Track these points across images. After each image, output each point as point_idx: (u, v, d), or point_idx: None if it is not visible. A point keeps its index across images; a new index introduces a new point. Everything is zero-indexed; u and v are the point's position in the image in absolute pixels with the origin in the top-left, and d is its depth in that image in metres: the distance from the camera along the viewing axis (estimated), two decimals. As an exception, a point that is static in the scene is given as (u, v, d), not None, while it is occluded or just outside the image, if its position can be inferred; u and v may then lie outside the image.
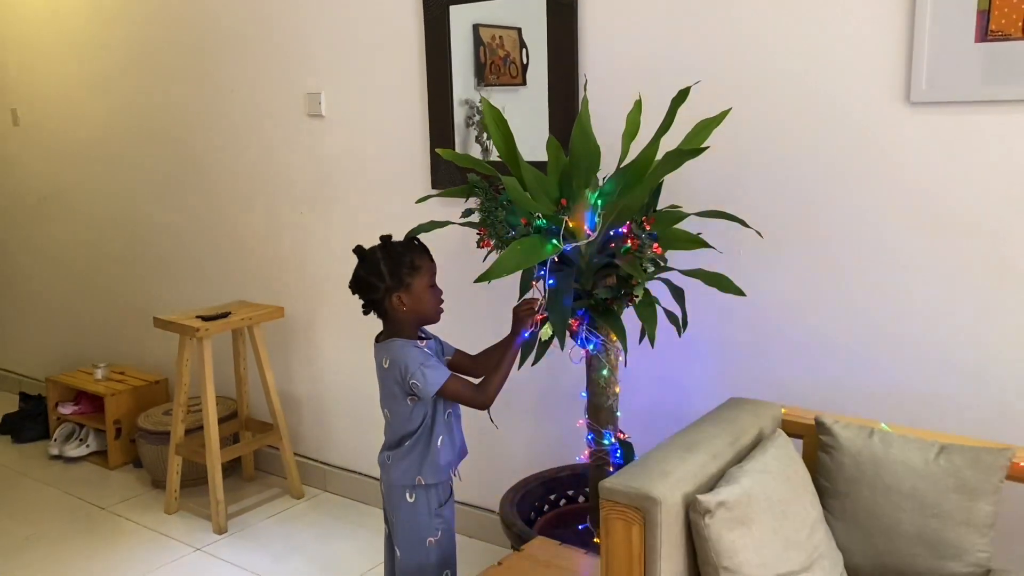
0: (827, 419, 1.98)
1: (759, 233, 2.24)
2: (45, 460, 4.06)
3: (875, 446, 1.89)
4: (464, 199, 2.22)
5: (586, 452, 2.35)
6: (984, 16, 2.04)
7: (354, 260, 2.17)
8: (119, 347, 4.42)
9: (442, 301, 2.19)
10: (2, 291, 5.13)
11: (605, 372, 2.27)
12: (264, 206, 3.60)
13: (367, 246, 2.17)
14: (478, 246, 2.18)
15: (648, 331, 2.08)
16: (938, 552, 1.79)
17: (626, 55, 2.55)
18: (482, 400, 2.16)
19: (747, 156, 2.39)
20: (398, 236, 2.20)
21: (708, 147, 2.01)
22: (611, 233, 2.13)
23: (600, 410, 2.30)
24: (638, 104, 2.18)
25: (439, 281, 2.21)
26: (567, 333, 2.15)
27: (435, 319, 2.19)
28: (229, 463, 3.64)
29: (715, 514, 1.65)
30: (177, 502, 3.48)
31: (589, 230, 2.09)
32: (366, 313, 2.19)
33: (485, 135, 2.89)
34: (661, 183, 2.22)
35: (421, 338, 2.20)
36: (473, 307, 2.86)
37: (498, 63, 2.83)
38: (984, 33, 2.05)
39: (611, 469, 2.26)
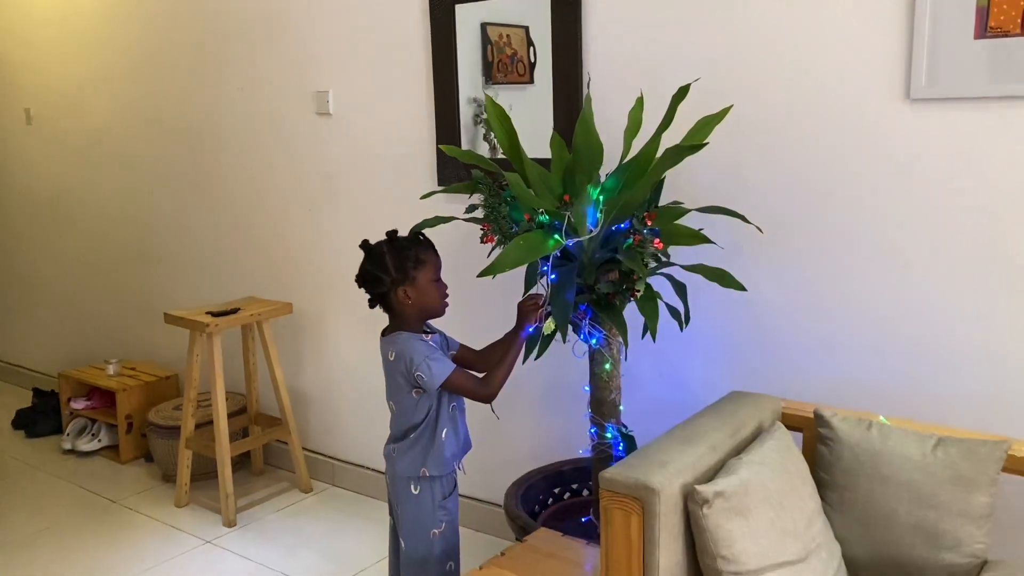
0: (826, 412, 2.01)
1: (759, 229, 2.27)
2: (58, 454, 4.11)
3: (873, 438, 1.92)
4: (468, 195, 2.25)
5: (589, 445, 2.38)
6: (983, 13, 2.06)
7: (361, 256, 2.21)
8: (130, 343, 4.47)
9: (447, 295, 2.22)
10: (16, 288, 5.19)
11: (608, 366, 2.29)
12: (273, 203, 3.65)
13: (373, 241, 2.21)
14: (482, 241, 2.22)
15: (649, 325, 2.11)
16: (935, 543, 1.82)
17: (629, 53, 2.58)
18: (486, 393, 2.19)
19: (749, 153, 2.41)
20: (404, 232, 2.24)
21: (707, 143, 2.04)
22: (613, 229, 2.16)
23: (603, 404, 2.33)
24: (640, 101, 2.20)
25: (444, 276, 2.24)
26: (570, 328, 2.18)
27: (440, 312, 2.22)
28: (238, 458, 3.68)
29: (713, 504, 1.68)
30: (187, 495, 3.53)
31: (591, 226, 2.12)
32: (372, 307, 2.23)
33: (492, 133, 2.92)
34: (663, 179, 2.25)
35: (426, 332, 2.23)
36: (478, 302, 2.89)
37: (505, 61, 2.86)
38: (983, 29, 2.07)
39: (614, 462, 2.28)
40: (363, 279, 2.20)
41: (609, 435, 2.33)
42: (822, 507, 1.93)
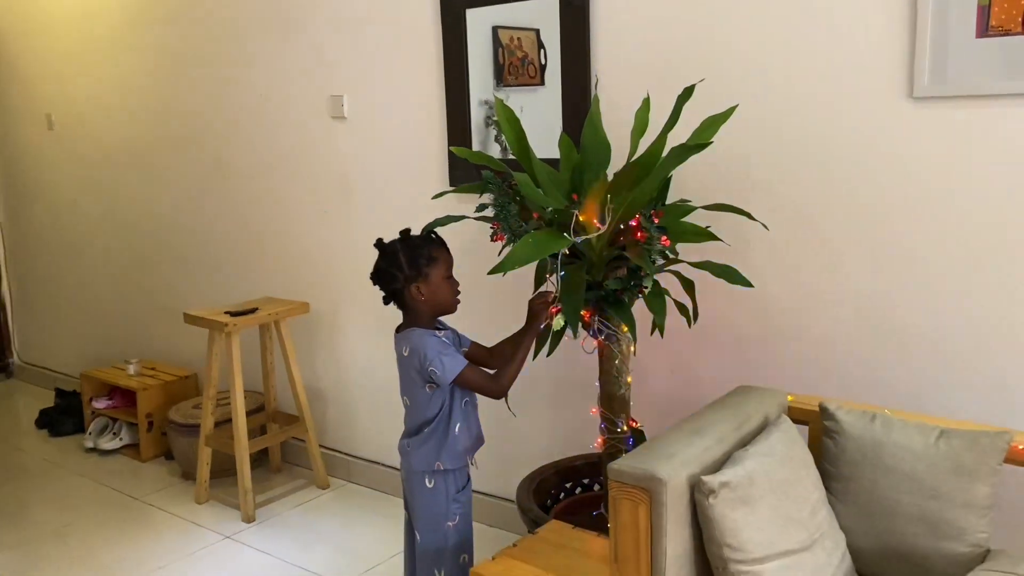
0: (830, 405, 2.05)
1: (765, 226, 2.31)
2: (80, 453, 4.20)
3: (876, 430, 1.95)
4: (479, 195, 2.31)
5: (599, 440, 2.42)
6: (984, 12, 2.09)
7: (376, 255, 2.27)
8: (150, 343, 4.55)
9: (459, 292, 2.27)
10: (38, 291, 5.29)
11: (617, 362, 2.33)
12: (290, 205, 3.71)
13: (387, 240, 2.27)
14: (492, 239, 2.27)
15: (657, 321, 2.16)
16: (938, 532, 1.85)
17: (636, 54, 2.62)
18: (497, 389, 2.24)
19: (754, 151, 2.45)
20: (417, 231, 2.29)
21: (712, 142, 2.08)
22: (621, 226, 2.20)
23: (613, 399, 2.37)
24: (646, 102, 2.25)
25: (456, 274, 2.29)
26: (580, 324, 2.23)
27: (452, 309, 2.27)
28: (257, 455, 3.75)
29: (719, 494, 1.72)
30: (207, 492, 3.60)
31: (599, 223, 2.16)
32: (386, 303, 2.28)
33: (503, 134, 2.97)
34: (670, 178, 2.29)
35: (439, 328, 2.28)
36: (489, 299, 2.94)
37: (516, 64, 2.90)
38: (985, 28, 2.10)
39: (624, 456, 2.33)
40: (377, 276, 2.26)
41: (620, 430, 2.38)
42: (827, 498, 1.97)
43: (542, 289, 2.37)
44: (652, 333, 2.18)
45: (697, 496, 1.75)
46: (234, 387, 3.39)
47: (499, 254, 2.28)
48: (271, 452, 3.89)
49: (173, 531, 3.37)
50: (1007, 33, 2.07)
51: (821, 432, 2.06)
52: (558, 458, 2.83)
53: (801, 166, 2.38)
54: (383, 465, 3.60)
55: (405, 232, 2.27)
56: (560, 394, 3.00)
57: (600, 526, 2.43)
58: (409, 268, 2.20)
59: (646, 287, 2.19)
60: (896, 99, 2.22)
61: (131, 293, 4.63)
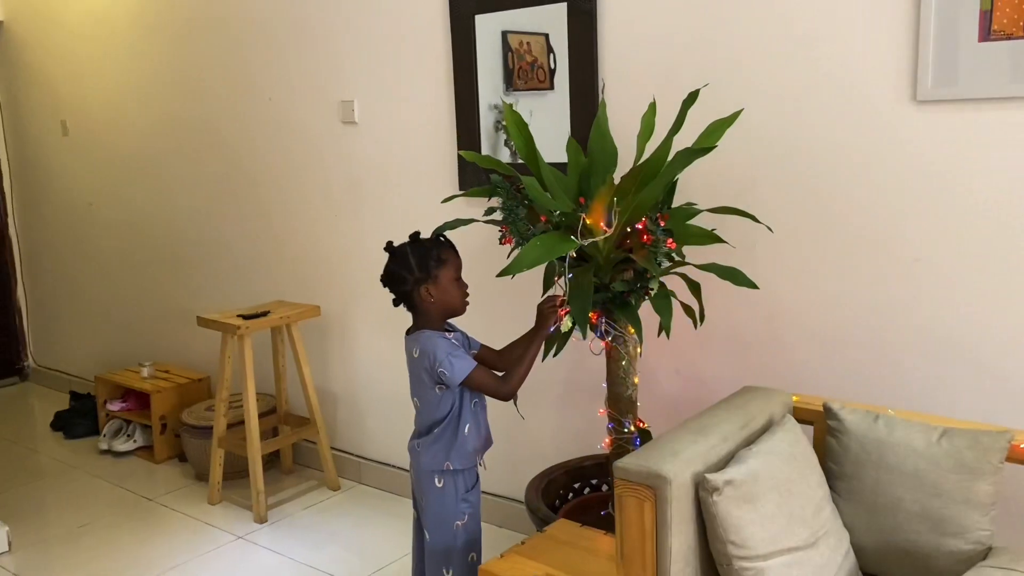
0: (834, 405, 2.07)
1: (770, 228, 2.34)
2: (95, 455, 4.25)
3: (880, 430, 1.98)
4: (487, 198, 2.34)
5: (607, 440, 2.45)
6: (987, 16, 2.12)
7: (386, 259, 2.31)
8: (164, 347, 4.61)
9: (467, 294, 2.31)
10: (53, 295, 5.35)
11: (624, 363, 2.36)
12: (301, 209, 3.76)
13: (397, 244, 2.31)
14: (500, 242, 2.30)
15: (663, 323, 2.19)
16: (940, 529, 1.87)
17: (642, 60, 2.66)
18: (505, 391, 2.27)
19: (760, 155, 2.48)
20: (427, 234, 2.33)
21: (716, 146, 2.11)
22: (627, 229, 2.23)
23: (620, 399, 2.40)
24: (652, 106, 2.28)
25: (466, 277, 2.33)
26: (588, 326, 2.26)
27: (461, 311, 2.31)
28: (269, 457, 3.80)
29: (723, 492, 1.75)
30: (220, 493, 3.64)
31: (606, 226, 2.19)
32: (396, 305, 2.32)
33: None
34: (676, 181, 2.31)
35: (448, 330, 2.32)
36: (498, 302, 2.98)
37: (525, 68, 2.94)
38: (987, 33, 2.12)
39: (630, 456, 2.35)
40: (387, 278, 2.29)
41: (627, 430, 2.40)
42: (831, 496, 1.99)
43: (550, 293, 2.40)
44: (659, 335, 2.21)
45: (701, 494, 1.78)
46: (246, 389, 3.43)
47: (508, 257, 2.32)
48: (283, 454, 3.93)
49: (186, 531, 3.41)
50: (1009, 37, 2.09)
51: (825, 432, 2.08)
52: (567, 459, 2.86)
53: (806, 169, 2.41)
54: (393, 467, 3.64)
55: (415, 235, 2.31)
56: (568, 396, 3.04)
57: (608, 525, 2.46)
58: (419, 270, 2.24)
59: (652, 289, 2.23)
60: (900, 102, 2.25)
61: (145, 297, 4.68)
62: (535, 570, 2.06)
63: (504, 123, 3.02)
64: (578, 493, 2.77)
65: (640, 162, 2.24)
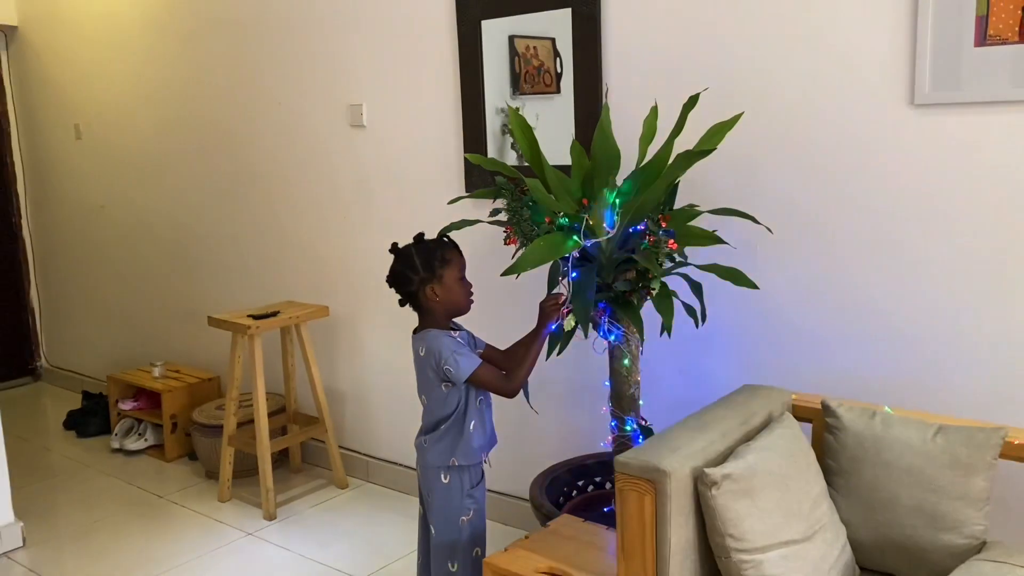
0: (832, 403, 2.11)
1: (769, 229, 2.38)
2: (107, 453, 4.31)
3: (876, 427, 2.02)
4: (492, 200, 2.39)
5: (610, 438, 2.49)
6: (982, 21, 2.16)
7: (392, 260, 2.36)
8: (174, 347, 4.67)
9: (472, 293, 2.36)
10: (65, 296, 5.42)
11: (626, 362, 2.40)
12: (310, 211, 3.81)
13: (402, 245, 2.36)
14: (505, 243, 2.35)
15: (665, 322, 2.23)
16: (936, 524, 1.91)
17: (645, 64, 2.70)
18: (510, 388, 2.32)
19: (761, 157, 2.52)
20: (433, 236, 2.38)
21: (715, 148, 2.16)
22: (630, 230, 2.28)
23: (622, 398, 2.44)
24: (654, 110, 2.33)
25: (471, 276, 2.38)
26: (591, 325, 2.30)
27: (466, 309, 2.36)
28: (278, 455, 3.85)
29: (721, 486, 1.79)
30: (229, 491, 3.69)
31: (608, 227, 2.24)
32: (402, 305, 2.37)
33: (518, 141, 3.06)
34: (677, 183, 2.36)
35: (453, 329, 2.37)
36: (503, 301, 3.02)
37: (532, 72, 2.99)
38: (983, 37, 2.16)
39: (632, 453, 2.39)
40: (393, 279, 2.34)
41: (629, 428, 2.44)
42: (828, 492, 2.03)
43: (554, 291, 2.44)
44: (661, 334, 2.25)
45: (700, 488, 1.82)
46: (256, 388, 3.48)
47: (512, 257, 2.36)
48: (291, 452, 3.98)
49: (197, 528, 3.46)
50: (1005, 42, 2.13)
51: (823, 429, 2.12)
52: (570, 457, 2.90)
53: (806, 171, 2.45)
54: (400, 465, 3.69)
55: (419, 236, 2.35)
56: (572, 395, 3.08)
57: (611, 522, 2.50)
58: (424, 270, 2.28)
59: (654, 289, 2.27)
60: (898, 106, 2.29)
61: (156, 298, 4.75)
62: (538, 564, 2.10)
63: (510, 126, 3.07)
64: (582, 491, 2.81)
65: (642, 164, 2.29)
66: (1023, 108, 2.11)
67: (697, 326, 2.39)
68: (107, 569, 3.17)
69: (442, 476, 2.38)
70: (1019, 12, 2.11)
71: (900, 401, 2.29)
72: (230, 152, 4.11)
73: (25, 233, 5.52)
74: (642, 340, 2.35)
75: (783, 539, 1.83)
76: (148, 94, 4.46)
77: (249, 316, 3.56)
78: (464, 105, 3.15)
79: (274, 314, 3.59)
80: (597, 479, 2.83)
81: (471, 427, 2.36)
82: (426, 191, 3.35)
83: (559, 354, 2.41)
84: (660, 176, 2.17)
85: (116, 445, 4.30)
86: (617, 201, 2.24)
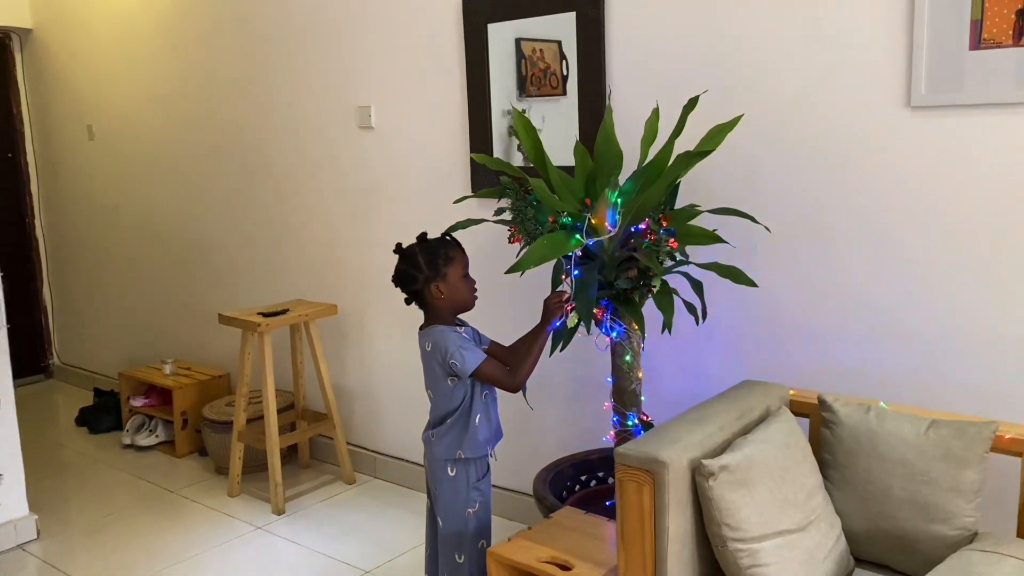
0: (828, 398, 2.16)
1: (767, 228, 2.43)
2: (118, 449, 4.38)
3: (871, 421, 2.07)
4: (497, 199, 2.44)
5: (612, 433, 2.55)
6: (977, 25, 2.21)
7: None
8: (185, 345, 4.74)
9: (476, 290, 2.41)
10: (77, 294, 5.49)
11: (628, 358, 2.46)
12: (320, 211, 3.88)
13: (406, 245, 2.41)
14: (509, 241, 2.40)
15: (665, 319, 2.28)
16: (928, 516, 1.96)
17: (647, 66, 2.76)
18: (513, 383, 2.37)
19: (760, 158, 2.58)
20: (439, 235, 2.44)
21: (715, 149, 2.21)
22: (631, 229, 2.33)
23: (624, 393, 2.49)
24: (655, 112, 2.38)
25: (476, 274, 2.43)
26: (593, 322, 2.36)
27: (470, 306, 2.41)
28: (286, 451, 3.91)
29: (718, 476, 1.84)
30: (239, 486, 3.75)
31: (610, 226, 2.29)
32: (408, 304, 2.43)
33: (523, 142, 3.11)
34: (678, 183, 2.41)
35: (459, 325, 2.42)
36: (507, 298, 3.08)
37: (538, 75, 3.04)
38: (977, 41, 2.21)
39: (634, 447, 2.44)
40: (399, 278, 2.40)
41: (630, 423, 2.50)
42: (824, 484, 2.08)
43: (558, 289, 2.49)
44: (663, 332, 2.30)
45: (698, 478, 1.87)
46: (266, 385, 3.54)
47: (516, 255, 2.42)
48: (300, 448, 4.04)
49: (207, 522, 3.53)
50: (998, 45, 2.18)
51: (820, 423, 2.17)
52: (574, 452, 2.95)
53: (805, 171, 2.50)
54: (407, 461, 3.74)
55: (422, 236, 2.41)
56: (575, 391, 3.13)
57: (613, 515, 2.55)
58: (428, 269, 2.34)
59: (655, 287, 2.32)
60: (895, 108, 2.34)
61: (167, 296, 4.81)
62: (540, 553, 2.15)
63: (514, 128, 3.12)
64: (585, 485, 2.86)
65: (643, 165, 2.34)
66: (1018, 110, 2.16)
67: (697, 323, 2.45)
68: (119, 561, 3.24)
69: (449, 469, 2.43)
70: (1012, 16, 2.16)
71: (895, 396, 2.34)
72: (240, 153, 4.18)
73: (38, 232, 5.60)
74: (643, 337, 2.40)
75: (778, 529, 1.88)
76: (160, 96, 4.53)
77: (259, 314, 3.62)
78: (470, 107, 3.21)
79: (283, 312, 3.66)
80: (600, 474, 2.88)
81: (477, 421, 2.41)
82: (433, 191, 3.41)
83: (562, 351, 2.47)
84: (661, 176, 2.23)
85: (128, 441, 4.37)
86: (619, 201, 2.29)
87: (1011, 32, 2.16)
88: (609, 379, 2.52)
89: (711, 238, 2.30)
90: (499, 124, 3.16)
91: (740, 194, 2.60)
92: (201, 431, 4.12)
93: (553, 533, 2.26)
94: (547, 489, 2.67)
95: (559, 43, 2.95)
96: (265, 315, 3.60)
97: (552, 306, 2.38)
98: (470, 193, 3.24)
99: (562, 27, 2.92)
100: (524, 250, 2.39)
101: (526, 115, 2.95)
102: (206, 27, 4.19)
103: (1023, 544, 1.86)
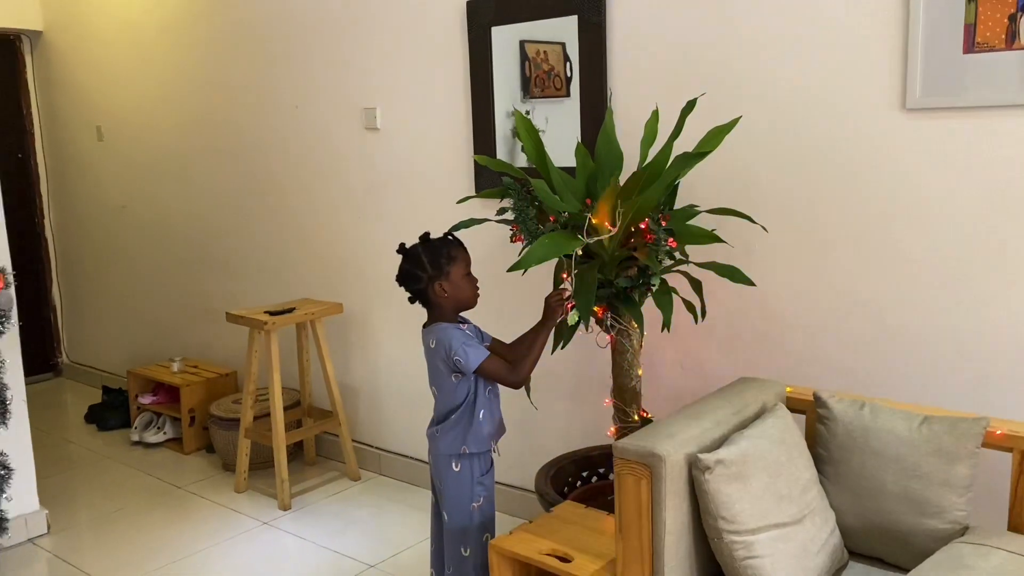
0: (823, 394, 2.20)
1: (764, 228, 2.48)
2: (127, 446, 4.44)
3: (865, 417, 2.11)
4: (499, 199, 2.49)
5: (612, 429, 2.59)
6: (971, 30, 2.25)
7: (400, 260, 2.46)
8: (193, 343, 4.79)
9: (478, 288, 2.46)
10: (86, 293, 5.55)
11: (628, 355, 2.50)
12: (325, 211, 3.93)
13: (408, 246, 2.46)
14: (511, 240, 2.45)
15: (664, 317, 2.32)
16: (920, 510, 2.00)
17: (647, 69, 2.80)
18: (515, 379, 2.41)
19: (758, 159, 2.62)
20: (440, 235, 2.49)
21: (713, 151, 2.25)
22: (631, 229, 2.37)
23: (625, 390, 2.54)
24: (655, 114, 2.43)
25: (479, 272, 2.48)
26: (593, 320, 2.40)
27: (473, 304, 2.46)
28: (292, 448, 3.96)
29: (714, 470, 1.89)
30: (246, 482, 3.81)
31: (610, 226, 2.34)
32: (412, 302, 2.47)
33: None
34: (678, 184, 2.45)
35: (461, 323, 2.47)
36: (509, 296, 3.12)
37: (542, 76, 3.08)
38: (971, 45, 2.25)
39: (633, 442, 2.49)
40: (403, 278, 2.45)
41: (631, 419, 2.54)
42: (819, 479, 2.12)
43: (560, 287, 2.54)
44: (662, 330, 2.34)
45: (694, 472, 1.91)
46: (272, 382, 3.59)
47: (519, 255, 2.46)
48: (306, 445, 4.10)
49: (214, 517, 3.58)
50: (991, 49, 2.22)
51: (816, 419, 2.21)
52: (575, 448, 2.99)
53: (801, 172, 2.55)
54: (411, 458, 3.79)
55: (425, 236, 2.45)
56: (577, 388, 3.18)
57: (612, 509, 2.59)
58: (431, 268, 2.39)
59: (654, 285, 2.37)
60: (890, 110, 2.38)
61: (175, 295, 4.87)
62: (541, 546, 2.20)
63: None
64: (586, 481, 2.90)
65: (643, 166, 2.39)
66: (1010, 112, 2.20)
67: (696, 322, 2.49)
68: (128, 555, 3.29)
69: (453, 464, 2.47)
70: (1005, 21, 2.20)
71: (890, 393, 2.39)
72: (248, 154, 4.23)
73: (48, 232, 5.67)
74: (643, 335, 2.45)
75: (773, 522, 1.92)
76: (168, 97, 4.59)
77: (266, 312, 3.67)
78: (474, 109, 3.26)
79: (290, 311, 3.71)
80: (601, 470, 2.92)
81: (481, 416, 2.45)
82: (437, 191, 3.46)
83: (563, 348, 2.51)
84: (660, 177, 2.27)
85: (136, 438, 4.42)
86: (619, 201, 2.33)
87: (1003, 36, 2.20)
88: (610, 376, 2.57)
89: (710, 238, 2.34)
90: (503, 125, 3.21)
91: (738, 194, 2.64)
92: (208, 428, 4.17)
93: (553, 526, 2.31)
94: (549, 485, 2.71)
95: (563, 45, 2.99)
96: (272, 314, 3.65)
97: (553, 304, 2.43)
98: (474, 193, 3.29)
99: (565, 30, 2.97)
100: (526, 249, 2.43)
101: (530, 116, 3.01)
102: (214, 30, 4.24)
103: (1013, 537, 1.90)
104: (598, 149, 2.46)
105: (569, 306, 2.41)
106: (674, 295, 2.39)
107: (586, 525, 2.31)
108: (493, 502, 2.56)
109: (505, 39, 3.14)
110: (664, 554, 1.91)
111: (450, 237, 2.46)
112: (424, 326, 2.49)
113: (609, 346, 2.55)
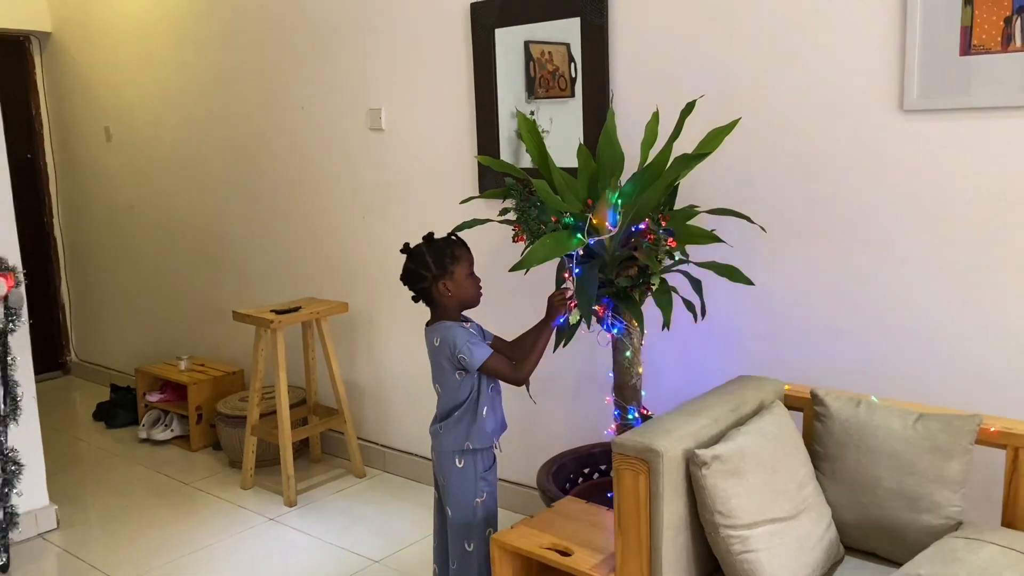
0: (820, 391, 2.24)
1: (763, 228, 2.51)
2: (135, 443, 4.49)
3: (861, 414, 2.14)
4: (502, 200, 2.53)
5: (613, 426, 2.62)
6: (967, 32, 2.28)
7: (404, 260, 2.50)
8: (200, 342, 4.84)
9: (481, 287, 2.49)
10: (94, 292, 5.61)
11: (629, 354, 2.53)
12: (331, 212, 3.97)
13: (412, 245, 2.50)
14: (513, 240, 2.48)
15: (664, 316, 2.36)
16: (915, 506, 2.03)
17: (648, 71, 2.84)
18: (518, 377, 2.45)
19: (757, 160, 2.65)
20: (444, 235, 2.52)
21: (712, 152, 2.29)
22: (632, 229, 2.41)
23: (625, 388, 2.57)
24: (655, 115, 2.46)
25: (482, 272, 2.51)
26: (594, 319, 2.43)
27: (476, 303, 2.49)
28: (298, 445, 4.00)
29: (711, 466, 1.92)
30: (252, 479, 3.85)
31: (611, 226, 2.37)
32: (416, 301, 2.51)
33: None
34: (678, 184, 2.49)
35: (465, 321, 2.51)
36: (511, 295, 3.16)
37: (547, 77, 3.11)
38: (968, 47, 2.28)
39: (634, 439, 2.52)
40: (407, 277, 2.48)
41: (631, 417, 2.57)
42: (815, 475, 2.15)
43: (563, 286, 2.57)
44: (662, 329, 2.38)
45: (692, 467, 1.95)
46: (278, 381, 3.63)
47: (521, 254, 2.50)
48: (311, 443, 4.14)
49: (221, 513, 3.62)
50: (988, 51, 2.25)
51: (813, 416, 2.24)
52: (576, 446, 3.03)
53: (800, 173, 2.58)
54: (416, 456, 3.83)
55: (428, 236, 2.49)
56: (578, 386, 3.21)
57: (612, 505, 2.62)
58: (435, 267, 2.42)
59: (654, 285, 2.40)
60: (888, 112, 2.41)
61: (182, 294, 4.92)
62: (542, 540, 2.23)
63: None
64: (587, 478, 2.94)
65: (643, 167, 2.42)
66: (1005, 114, 2.22)
67: (696, 321, 2.52)
68: (136, 550, 3.34)
69: (457, 460, 2.51)
70: (1001, 23, 2.23)
71: (886, 391, 2.41)
72: (255, 154, 4.27)
73: (56, 232, 5.72)
74: (643, 333, 2.48)
75: (769, 517, 1.96)
76: (176, 98, 4.64)
77: (272, 311, 3.71)
78: (478, 110, 3.29)
79: (296, 310, 3.75)
80: (602, 467, 2.95)
81: (484, 413, 2.48)
82: (441, 192, 3.50)
83: (564, 347, 2.55)
84: (660, 177, 2.30)
85: (144, 435, 4.47)
86: (619, 201, 2.37)
87: (999, 38, 2.23)
88: (610, 374, 2.60)
89: (709, 238, 2.37)
90: (507, 126, 3.24)
91: (737, 195, 2.67)
92: (215, 426, 4.21)
93: (554, 521, 2.34)
94: (550, 481, 2.75)
95: (567, 46, 3.02)
96: (278, 312, 3.69)
97: (556, 303, 2.46)
98: (478, 193, 3.32)
99: (569, 31, 3.00)
100: (528, 249, 2.47)
101: (534, 117, 3.04)
102: (220, 31, 4.29)
103: (1005, 532, 1.93)
104: (600, 150, 2.50)
105: (571, 305, 2.44)
106: (674, 294, 2.42)
107: (587, 520, 2.34)
108: (496, 497, 2.59)
109: (509, 40, 3.17)
110: (662, 548, 1.94)
111: (454, 237, 2.49)
112: (427, 325, 2.53)
113: (610, 345, 2.58)
